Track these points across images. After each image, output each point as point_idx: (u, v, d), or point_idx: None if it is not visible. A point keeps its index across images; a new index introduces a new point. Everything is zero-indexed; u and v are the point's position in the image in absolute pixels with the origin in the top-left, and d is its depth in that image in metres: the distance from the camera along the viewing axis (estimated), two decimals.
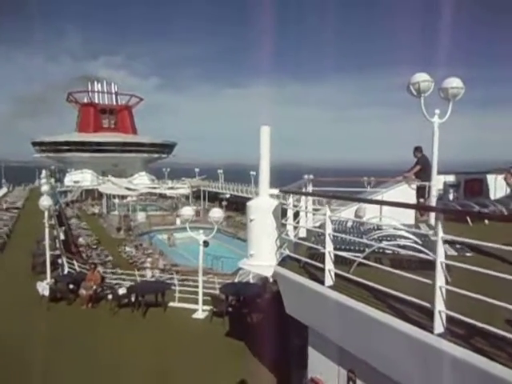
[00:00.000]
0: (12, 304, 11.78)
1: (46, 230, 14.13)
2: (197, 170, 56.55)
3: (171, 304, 11.64)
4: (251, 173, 47.64)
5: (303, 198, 7.09)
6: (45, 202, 13.62)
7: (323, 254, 5.37)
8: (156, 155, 67.58)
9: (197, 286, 11.58)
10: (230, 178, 55.70)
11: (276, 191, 6.43)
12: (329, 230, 4.68)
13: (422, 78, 7.16)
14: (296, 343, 7.47)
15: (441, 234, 3.29)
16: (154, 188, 49.14)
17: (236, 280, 12.71)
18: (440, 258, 3.32)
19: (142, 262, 21.87)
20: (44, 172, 44.95)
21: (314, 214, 7.48)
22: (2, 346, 9.03)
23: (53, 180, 53.15)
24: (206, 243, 10.69)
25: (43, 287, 11.85)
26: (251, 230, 6.09)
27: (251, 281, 12.68)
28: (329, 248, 4.70)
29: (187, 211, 11.07)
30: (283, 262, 5.87)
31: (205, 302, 11.07)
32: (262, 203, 6.07)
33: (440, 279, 3.34)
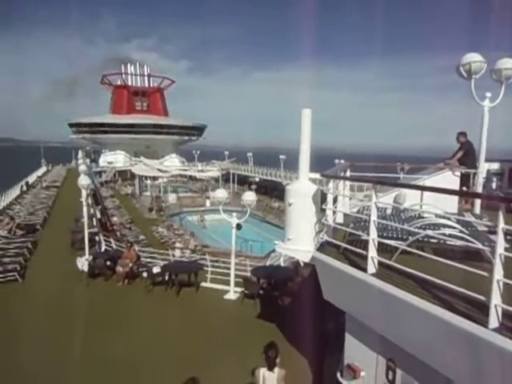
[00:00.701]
0: (55, 277, 12.40)
1: (84, 209, 14.63)
2: (226, 152, 56.71)
3: (203, 284, 11.86)
4: (281, 156, 47.35)
5: (341, 182, 6.95)
6: (83, 181, 14.04)
7: (364, 241, 5.25)
8: (186, 137, 68.23)
9: (228, 268, 11.72)
10: (259, 162, 55.60)
11: (315, 175, 6.32)
12: (374, 216, 4.55)
13: (473, 58, 6.74)
14: (330, 328, 7.46)
15: (502, 224, 3.11)
16: (185, 170, 49.82)
17: (267, 263, 12.77)
18: (500, 250, 3.14)
19: (172, 242, 22.35)
20: (80, 153, 46.47)
21: (358, 200, 7.30)
22: (47, 316, 9.55)
23: (88, 160, 54.84)
24: (239, 226, 10.74)
25: (82, 263, 12.35)
26: (289, 214, 6.03)
27: (282, 264, 12.69)
28: (373, 235, 4.58)
29: (221, 193, 11.12)
30: (322, 247, 5.79)
31: (236, 284, 11.20)
32: (302, 187, 5.98)
33: (498, 272, 3.17)
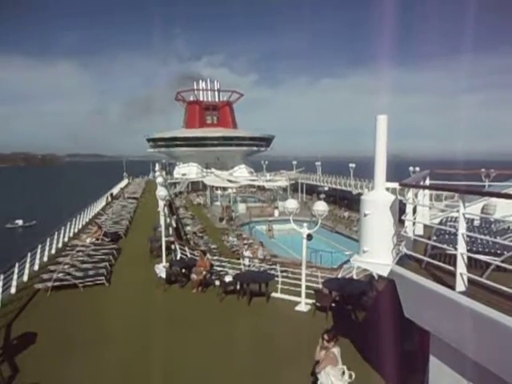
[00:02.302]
0: (136, 283, 13.32)
1: (162, 218, 15.52)
2: (294, 162, 56.77)
3: (274, 294, 11.83)
4: (350, 165, 46.15)
5: (420, 192, 6.52)
6: (161, 192, 14.91)
7: (449, 255, 4.85)
8: (255, 148, 69.70)
9: (298, 279, 11.56)
10: (327, 171, 54.78)
11: (392, 184, 6.00)
12: (462, 228, 4.17)
13: None
14: (411, 348, 6.97)
15: None
16: (253, 180, 50.71)
17: (339, 275, 12.37)
18: None
19: (242, 251, 22.76)
20: (157, 165, 49.73)
21: (439, 210, 6.80)
22: (129, 318, 10.24)
23: (164, 173, 58.41)
24: (310, 237, 10.56)
25: (160, 270, 13.06)
26: (365, 226, 5.78)
27: (355, 277, 12.22)
28: (461, 249, 4.19)
29: (291, 204, 11.05)
30: (401, 261, 5.46)
31: (307, 296, 11.01)
32: (378, 197, 5.70)
33: None
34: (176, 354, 8.29)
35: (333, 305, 10.38)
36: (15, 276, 12.38)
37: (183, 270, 13.30)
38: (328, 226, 33.23)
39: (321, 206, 10.50)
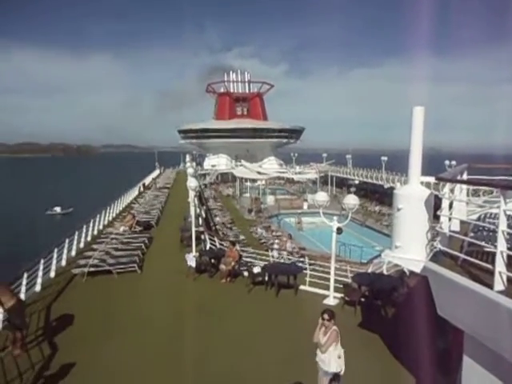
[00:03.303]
0: (166, 271, 13.68)
1: (192, 208, 15.80)
2: (324, 155, 56.05)
3: (302, 287, 11.82)
4: (382, 158, 45.06)
5: (457, 187, 6.29)
6: (191, 183, 15.15)
7: (487, 253, 4.67)
8: (285, 140, 69.25)
9: (327, 272, 11.49)
10: (358, 164, 53.76)
11: (428, 178, 5.82)
12: (503, 225, 4.00)
13: None
14: (443, 347, 6.80)
15: None
16: (283, 172, 50.54)
17: (369, 270, 12.18)
18: None
19: (271, 243, 22.81)
20: (188, 156, 50.45)
21: (477, 206, 6.54)
22: (160, 305, 10.56)
23: (194, 164, 59.29)
24: (339, 230, 10.44)
25: (190, 259, 13.33)
26: (398, 220, 5.64)
27: (385, 272, 11.99)
28: (501, 247, 4.02)
29: (321, 196, 10.94)
30: (435, 257, 5.30)
31: (336, 289, 10.93)
32: (413, 191, 5.54)
33: None
34: (205, 341, 8.49)
35: (362, 299, 10.26)
36: (54, 261, 13.01)
37: (212, 260, 13.52)
38: (358, 220, 32.70)
39: (351, 200, 10.34)
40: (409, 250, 5.46)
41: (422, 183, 5.85)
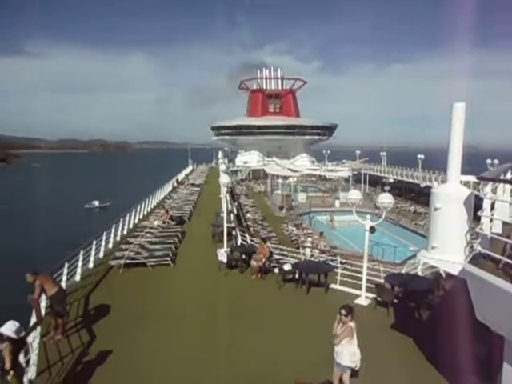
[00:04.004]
0: (198, 265, 13.98)
1: (224, 204, 16.00)
2: (358, 152, 55.00)
3: (333, 286, 11.71)
4: (419, 156, 43.67)
5: (500, 186, 6.00)
6: (224, 179, 15.31)
7: None
8: (317, 137, 68.58)
9: (359, 272, 11.31)
10: (393, 162, 52.40)
11: (468, 177, 5.59)
12: None
13: None
14: (481, 353, 6.53)
15: None
16: (315, 170, 50.02)
17: (403, 271, 11.88)
18: None
19: (302, 240, 22.69)
20: (220, 153, 51.01)
21: None
22: (191, 298, 10.79)
23: (226, 160, 59.86)
24: (373, 229, 10.23)
25: (221, 254, 13.51)
26: (435, 220, 5.46)
27: (420, 274, 11.65)
28: None
29: (354, 195, 10.75)
30: (474, 259, 5.10)
31: (368, 289, 10.74)
32: (452, 190, 5.34)
33: None
34: (235, 336, 8.61)
35: (395, 301, 10.05)
36: (93, 252, 13.58)
37: (243, 256, 13.64)
38: (392, 219, 31.85)
39: (386, 199, 10.12)
40: (446, 251, 5.28)
41: (461, 182, 5.64)
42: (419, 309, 9.70)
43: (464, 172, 5.82)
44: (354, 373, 6.85)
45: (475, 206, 5.45)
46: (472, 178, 5.68)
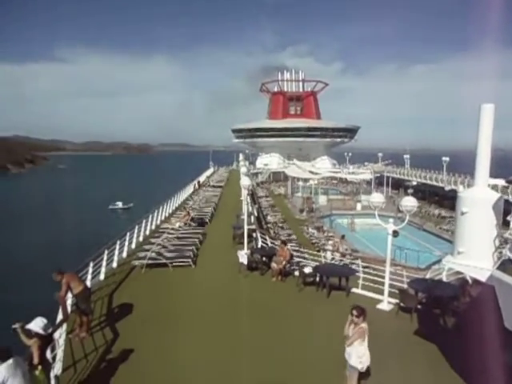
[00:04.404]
0: (219, 266, 14.07)
1: (245, 207, 16.04)
2: (380, 154, 54.19)
3: (354, 290, 11.55)
4: (443, 158, 42.68)
5: None
6: (245, 181, 15.39)
7: None
8: (338, 140, 68.03)
9: (381, 276, 11.12)
10: (417, 164, 51.40)
11: (497, 181, 5.42)
12: None
13: None
14: (510, 362, 6.31)
15: None
16: (336, 172, 49.57)
17: (427, 276, 11.59)
18: None
19: (322, 243, 22.50)
20: (241, 155, 51.24)
21: None
22: (211, 300, 10.87)
23: (247, 163, 60.07)
24: (395, 233, 10.03)
25: (242, 256, 13.56)
26: (462, 225, 5.33)
27: (444, 279, 11.34)
28: None
29: (377, 198, 10.58)
30: (503, 265, 4.94)
31: (390, 294, 10.54)
32: (479, 194, 5.20)
33: None
34: (256, 337, 8.64)
35: (418, 307, 9.81)
36: (116, 252, 13.88)
37: (264, 258, 13.64)
38: (415, 223, 31.18)
39: (409, 202, 9.92)
40: (473, 256, 5.14)
41: (489, 186, 5.48)
42: (444, 315, 9.43)
43: (492, 175, 5.66)
44: (376, 380, 6.75)
45: (504, 211, 5.28)
46: (501, 182, 5.50)
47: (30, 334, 5.76)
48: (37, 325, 5.87)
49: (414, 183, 41.06)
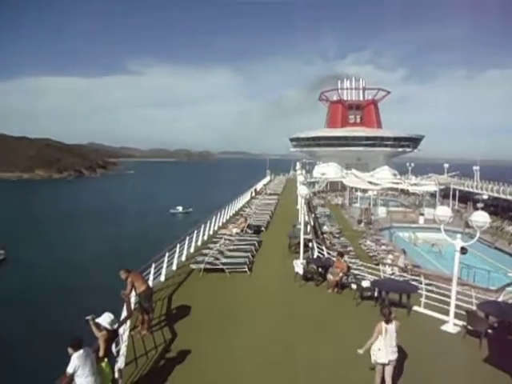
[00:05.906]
0: (274, 275, 14.10)
1: (301, 216, 15.93)
2: (446, 165, 50.98)
3: (416, 308, 10.92)
4: None
5: None
6: (302, 190, 15.30)
7: None
8: (400, 149, 65.29)
9: (446, 295, 10.39)
10: (488, 177, 47.68)
11: None
12: None
13: None
14: None
15: None
16: (397, 183, 47.45)
17: (500, 299, 10.63)
18: None
19: (381, 257, 21.57)
20: (298, 164, 51.05)
21: None
22: (265, 307, 10.89)
23: (304, 171, 59.66)
24: (464, 250, 9.36)
25: (298, 265, 13.45)
26: None
27: None
28: None
29: (443, 211, 9.94)
30: None
31: (456, 316, 9.81)
32: None
33: None
34: (309, 348, 8.54)
35: (489, 331, 9.02)
36: (176, 255, 14.47)
37: (319, 269, 13.40)
38: (486, 241, 28.79)
39: (481, 217, 9.21)
40: None
41: None
42: None
43: None
44: None
45: None
46: None
47: (99, 327, 6.19)
48: (104, 320, 6.29)
49: (485, 197, 38.09)
